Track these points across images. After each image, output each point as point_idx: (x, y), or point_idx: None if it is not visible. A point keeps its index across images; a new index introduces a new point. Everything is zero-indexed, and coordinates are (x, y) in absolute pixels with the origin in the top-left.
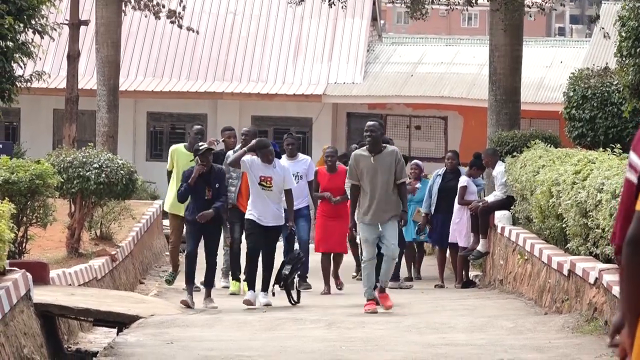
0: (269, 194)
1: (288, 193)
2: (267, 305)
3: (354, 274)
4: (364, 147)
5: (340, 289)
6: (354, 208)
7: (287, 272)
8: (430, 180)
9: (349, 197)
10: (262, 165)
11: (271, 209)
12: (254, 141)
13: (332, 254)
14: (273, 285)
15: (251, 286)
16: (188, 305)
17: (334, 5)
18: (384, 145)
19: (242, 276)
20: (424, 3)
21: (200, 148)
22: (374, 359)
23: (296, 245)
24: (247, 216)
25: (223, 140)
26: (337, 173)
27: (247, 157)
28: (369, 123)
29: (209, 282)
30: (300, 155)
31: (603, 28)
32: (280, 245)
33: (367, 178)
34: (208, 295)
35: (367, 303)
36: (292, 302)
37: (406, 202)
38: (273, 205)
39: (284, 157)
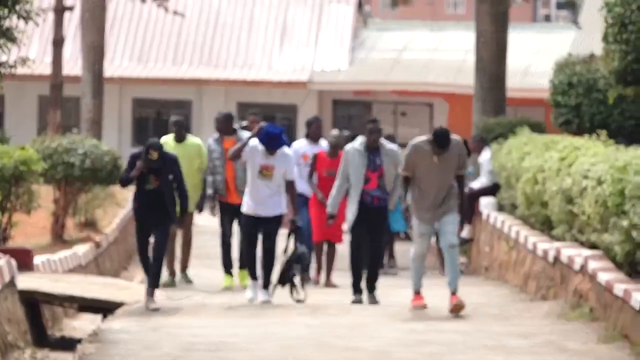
0: (268, 183)
1: (290, 185)
2: (267, 302)
3: None
4: (426, 140)
5: (332, 285)
6: (401, 195)
7: (296, 272)
8: None
9: (402, 185)
10: (264, 152)
11: (269, 197)
12: (257, 127)
13: (324, 244)
14: (275, 286)
15: (253, 275)
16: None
17: None
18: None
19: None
20: None
21: (151, 147)
22: (358, 345)
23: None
24: (242, 209)
25: (247, 126)
26: (338, 158)
27: (249, 145)
28: (442, 132)
29: (153, 279)
30: (323, 141)
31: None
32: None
33: (425, 176)
34: (151, 294)
35: (415, 297)
36: (297, 297)
37: (463, 192)
38: (271, 194)
39: (304, 139)
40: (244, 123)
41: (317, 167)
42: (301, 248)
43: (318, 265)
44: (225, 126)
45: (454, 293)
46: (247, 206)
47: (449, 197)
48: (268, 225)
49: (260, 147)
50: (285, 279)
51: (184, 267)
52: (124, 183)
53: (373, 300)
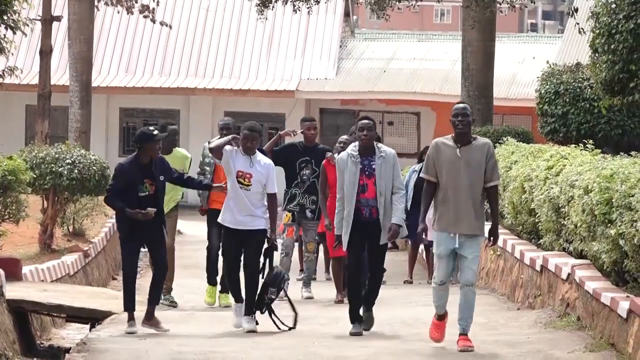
0: (247, 194)
1: (271, 198)
2: (252, 331)
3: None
4: (449, 135)
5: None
6: (425, 209)
7: (272, 297)
8: (407, 176)
9: (425, 194)
10: (243, 157)
11: (249, 210)
12: (244, 125)
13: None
14: (254, 312)
15: (239, 299)
16: (132, 332)
17: (299, 10)
18: (473, 136)
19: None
20: (387, 5)
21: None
22: (346, 355)
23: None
24: (219, 220)
25: (302, 132)
26: None
27: (230, 147)
28: (460, 105)
29: (153, 298)
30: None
31: (578, 24)
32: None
33: (447, 175)
34: (151, 316)
35: (435, 323)
36: (282, 326)
37: (497, 213)
38: (252, 207)
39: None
40: (297, 132)
41: (327, 175)
42: (276, 269)
43: (337, 282)
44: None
45: (463, 334)
46: (226, 218)
47: (474, 213)
48: (249, 242)
49: (239, 150)
50: (262, 304)
51: (168, 289)
52: (116, 209)
53: (369, 319)
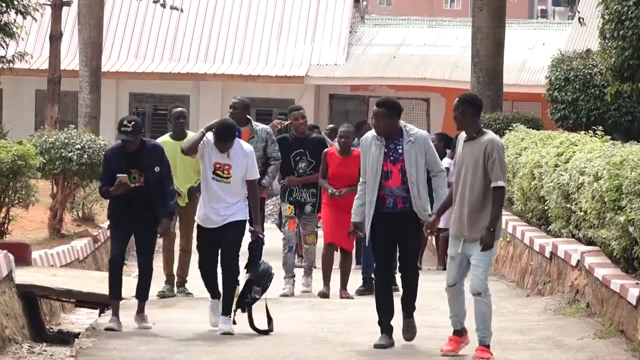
0: (225, 187)
1: (251, 186)
2: (228, 333)
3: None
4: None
5: (346, 297)
6: (443, 202)
7: (257, 296)
8: None
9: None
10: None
11: (226, 202)
12: (214, 121)
13: (337, 249)
14: (235, 311)
15: (215, 294)
16: (114, 329)
17: None
18: (484, 130)
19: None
20: None
21: (125, 124)
22: (354, 341)
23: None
24: (196, 219)
25: (290, 123)
26: (350, 157)
27: (205, 138)
28: (462, 96)
29: (142, 294)
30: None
31: (579, 12)
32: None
33: (457, 171)
34: (141, 310)
35: (449, 339)
36: (257, 329)
37: (495, 218)
38: (230, 199)
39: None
40: (285, 123)
41: (328, 164)
42: (264, 265)
43: (325, 273)
44: (242, 114)
45: (482, 344)
46: (200, 217)
47: (477, 214)
48: (225, 235)
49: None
50: (243, 303)
51: (182, 281)
52: (106, 196)
53: (410, 328)
